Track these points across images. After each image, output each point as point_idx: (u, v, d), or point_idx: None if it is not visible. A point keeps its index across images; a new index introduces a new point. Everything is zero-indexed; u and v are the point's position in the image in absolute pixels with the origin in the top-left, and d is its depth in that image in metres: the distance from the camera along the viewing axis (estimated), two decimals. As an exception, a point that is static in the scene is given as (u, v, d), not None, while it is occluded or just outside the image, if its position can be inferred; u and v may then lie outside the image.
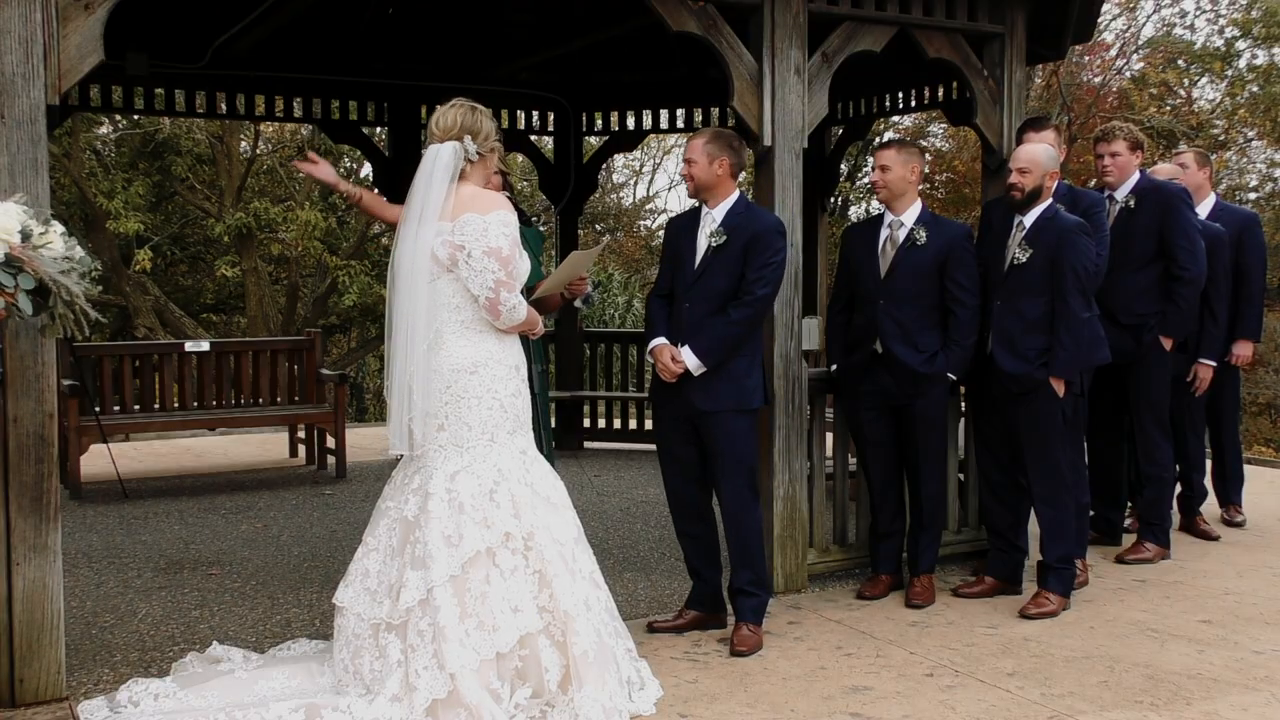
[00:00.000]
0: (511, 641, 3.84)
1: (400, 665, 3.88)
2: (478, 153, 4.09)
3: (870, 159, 18.61)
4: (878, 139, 17.58)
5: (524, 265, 4.13)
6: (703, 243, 4.83)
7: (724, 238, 4.76)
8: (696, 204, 4.96)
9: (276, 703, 3.91)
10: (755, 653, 4.70)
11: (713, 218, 4.83)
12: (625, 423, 10.14)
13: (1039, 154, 5.26)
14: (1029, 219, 5.25)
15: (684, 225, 4.98)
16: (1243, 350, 6.69)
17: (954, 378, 5.43)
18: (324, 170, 4.69)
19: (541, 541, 3.97)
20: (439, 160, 4.04)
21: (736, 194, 4.87)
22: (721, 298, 4.76)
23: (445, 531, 3.92)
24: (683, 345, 4.75)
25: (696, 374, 4.72)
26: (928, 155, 17.65)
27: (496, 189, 4.89)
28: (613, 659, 4.02)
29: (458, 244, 3.96)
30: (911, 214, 5.37)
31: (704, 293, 4.78)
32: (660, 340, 4.83)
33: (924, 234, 5.31)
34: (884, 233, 5.41)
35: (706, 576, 4.99)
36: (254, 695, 4.02)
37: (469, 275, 3.96)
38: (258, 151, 18.17)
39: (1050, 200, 5.27)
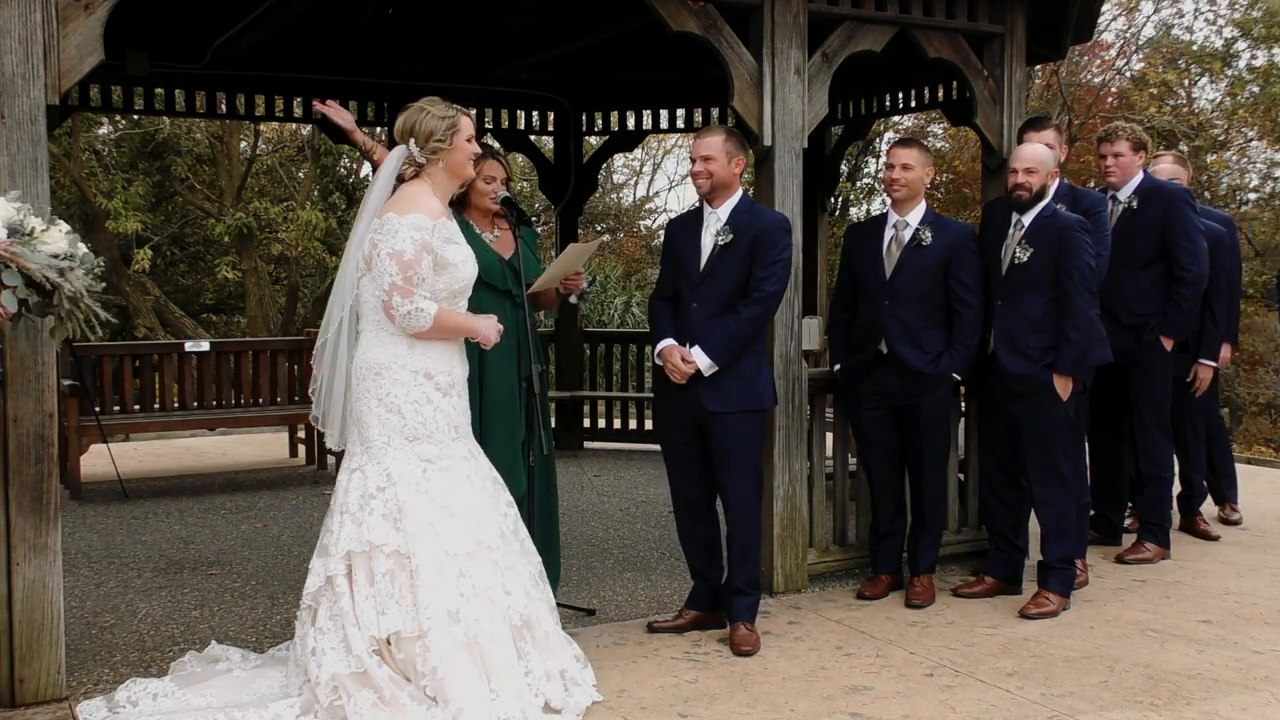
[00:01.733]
0: (370, 641, 3.83)
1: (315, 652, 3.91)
2: (424, 155, 4.07)
3: (871, 159, 18.64)
4: (878, 139, 17.56)
5: (462, 270, 4.07)
6: (708, 242, 4.81)
7: (730, 236, 4.74)
8: (697, 203, 4.94)
9: (275, 701, 3.92)
10: (757, 651, 4.70)
11: (717, 217, 4.81)
12: (625, 423, 10.14)
13: (1043, 154, 5.29)
14: (1027, 218, 5.25)
15: (685, 226, 4.95)
16: (1221, 352, 6.67)
17: (959, 378, 5.43)
18: (342, 114, 4.91)
19: (418, 548, 3.89)
20: (387, 163, 4.14)
21: (740, 193, 4.87)
22: (729, 297, 4.74)
23: (342, 526, 3.97)
24: (692, 346, 4.74)
25: (708, 374, 4.71)
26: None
27: (489, 194, 4.88)
28: (488, 681, 3.86)
29: (373, 242, 3.99)
30: (916, 214, 5.37)
31: (711, 292, 4.76)
32: (669, 341, 4.81)
33: (929, 234, 5.31)
34: (888, 233, 5.40)
35: (708, 576, 4.99)
36: (252, 694, 4.03)
37: (375, 274, 3.97)
38: (258, 151, 18.16)
39: (1049, 199, 5.28)
